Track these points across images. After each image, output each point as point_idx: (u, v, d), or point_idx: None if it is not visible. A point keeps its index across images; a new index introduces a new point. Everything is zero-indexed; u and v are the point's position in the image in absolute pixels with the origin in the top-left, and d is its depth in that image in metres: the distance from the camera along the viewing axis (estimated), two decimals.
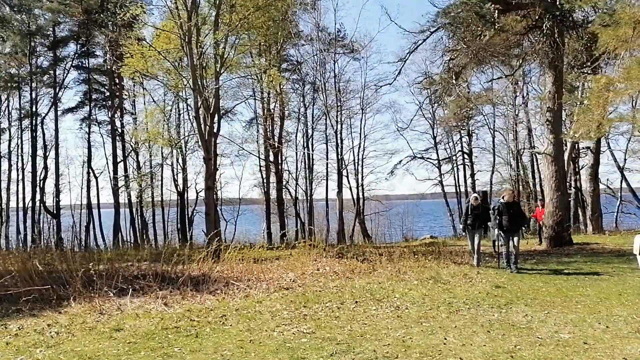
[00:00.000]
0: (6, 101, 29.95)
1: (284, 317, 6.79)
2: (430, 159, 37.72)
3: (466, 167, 38.01)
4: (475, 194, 12.40)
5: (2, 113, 29.58)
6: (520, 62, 15.51)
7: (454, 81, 13.87)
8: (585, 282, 9.19)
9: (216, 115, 16.69)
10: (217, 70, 15.84)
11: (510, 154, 34.70)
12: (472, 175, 36.95)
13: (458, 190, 38.30)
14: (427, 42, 14.77)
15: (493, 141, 36.69)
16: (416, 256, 13.16)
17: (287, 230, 29.44)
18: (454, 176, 38.33)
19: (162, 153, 29.68)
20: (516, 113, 32.77)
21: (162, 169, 32.18)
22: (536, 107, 29.16)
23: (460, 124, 35.76)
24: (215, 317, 6.87)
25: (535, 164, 34.71)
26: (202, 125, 16.05)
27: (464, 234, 13.09)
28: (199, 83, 15.49)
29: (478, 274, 10.18)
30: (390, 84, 17.20)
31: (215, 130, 16.66)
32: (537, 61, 16.16)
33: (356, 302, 7.56)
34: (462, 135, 37.60)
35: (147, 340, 5.89)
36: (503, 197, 10.87)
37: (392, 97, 65.58)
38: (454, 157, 38.02)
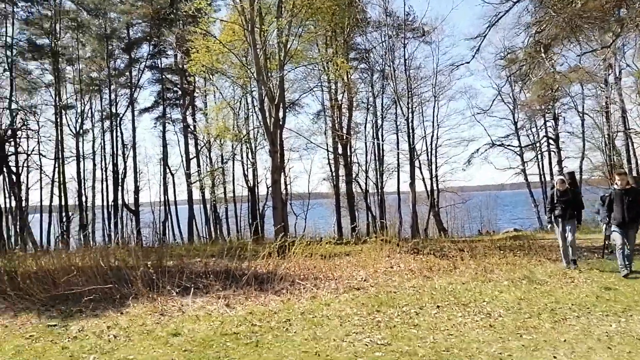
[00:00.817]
0: (88, 103, 31.21)
1: (355, 323, 5.96)
2: (511, 146, 35.31)
3: (551, 153, 35.30)
4: (561, 176, 10.01)
5: (85, 115, 30.85)
6: (619, 29, 13.60)
7: (543, 55, 12.33)
8: None
9: (281, 107, 16.14)
10: (281, 59, 15.25)
11: (603, 138, 31.64)
12: (559, 162, 34.20)
13: (543, 179, 35.70)
14: (509, 14, 13.27)
15: (582, 124, 33.65)
16: (502, 252, 11.91)
17: (358, 224, 28.60)
18: (538, 164, 35.74)
19: (232, 148, 29.78)
20: (610, 92, 29.78)
21: (233, 165, 32.39)
22: (634, 83, 26.35)
23: (544, 107, 33.16)
24: (279, 321, 6.17)
25: (631, 147, 31.58)
26: (267, 117, 15.55)
27: (549, 227, 10.59)
28: (263, 73, 14.96)
29: (580, 273, 8.81)
30: (468, 63, 15.76)
31: (280, 122, 16.12)
32: (637, 30, 14.14)
33: (438, 306, 6.58)
34: (547, 119, 34.90)
35: (204, 348, 5.28)
36: (616, 184, 8.75)
37: (467, 81, 62.57)
38: (538, 144, 35.39)
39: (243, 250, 10.17)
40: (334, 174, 30.81)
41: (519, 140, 35.40)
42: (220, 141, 28.79)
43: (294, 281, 8.77)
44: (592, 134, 33.16)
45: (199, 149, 30.48)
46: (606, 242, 10.80)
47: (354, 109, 30.61)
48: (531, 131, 35.96)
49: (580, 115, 33.80)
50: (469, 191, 42.67)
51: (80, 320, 6.81)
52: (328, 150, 30.73)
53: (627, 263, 8.51)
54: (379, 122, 32.59)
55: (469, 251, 12.05)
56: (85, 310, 7.22)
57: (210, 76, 26.08)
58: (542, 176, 35.56)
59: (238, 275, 9.00)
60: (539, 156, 35.82)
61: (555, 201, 9.39)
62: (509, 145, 35.65)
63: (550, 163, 35.43)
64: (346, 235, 27.48)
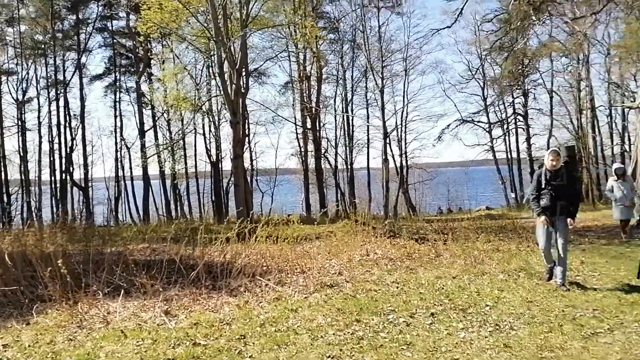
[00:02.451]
0: (32, 68, 28.47)
1: (329, 340, 4.59)
2: (481, 122, 34.69)
3: (519, 130, 34.99)
4: (555, 148, 6.72)
5: (29, 82, 28.16)
6: None
7: (532, 17, 11.08)
8: None
9: (243, 73, 14.48)
10: (243, 18, 13.53)
11: (578, 112, 31.24)
12: (528, 139, 33.84)
13: (510, 156, 35.43)
14: None
15: (551, 101, 33.37)
16: (485, 235, 10.75)
17: (327, 201, 27.38)
18: (505, 141, 35.36)
19: (192, 120, 27.79)
20: (585, 65, 29.26)
21: (195, 138, 30.48)
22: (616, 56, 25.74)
23: (514, 83, 32.52)
24: (231, 338, 4.75)
25: (596, 125, 31.56)
26: (228, 84, 13.90)
27: (536, 218, 6.54)
28: (222, 34, 13.24)
29: (582, 264, 7.70)
30: (449, 27, 14.39)
31: (242, 90, 14.48)
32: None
33: (432, 313, 5.28)
34: (516, 96, 34.40)
35: None
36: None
37: (438, 55, 61.09)
38: (506, 120, 34.92)
39: (200, 233, 8.57)
40: (302, 149, 29.41)
41: (488, 116, 34.84)
42: (181, 112, 26.74)
43: (255, 275, 7.36)
44: (569, 106, 32.82)
45: (156, 120, 28.36)
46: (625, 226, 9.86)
47: (323, 81, 29.11)
48: (499, 108, 35.47)
49: (549, 92, 33.43)
50: (435, 168, 42.17)
51: None
52: (296, 124, 29.26)
53: None
54: (349, 95, 31.26)
55: (448, 234, 10.91)
56: None
57: (167, 41, 24.00)
58: (509, 153, 35.28)
59: (186, 268, 7.51)
60: (507, 133, 35.43)
61: (543, 185, 6.20)
62: (478, 122, 35.09)
63: (517, 140, 35.16)
64: (315, 212, 26.24)
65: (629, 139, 28.97)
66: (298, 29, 21.00)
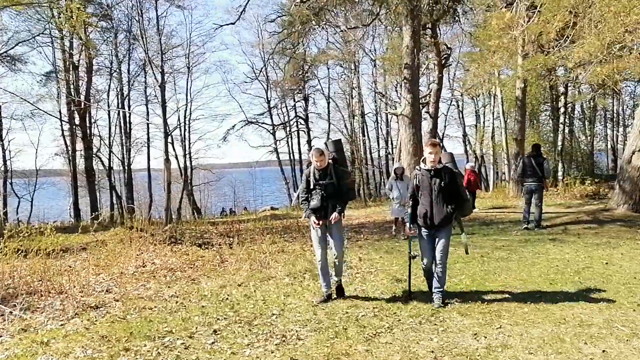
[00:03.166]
0: None
1: None
2: (265, 124, 35.66)
3: (300, 133, 37.08)
4: (318, 147, 5.87)
5: None
6: (378, 9, 13.76)
7: (313, 21, 11.45)
8: (520, 259, 7.56)
9: None
10: None
11: (351, 117, 34.36)
12: (309, 141, 36.00)
13: (292, 157, 37.26)
14: None
15: (328, 106, 36.13)
16: (271, 236, 10.67)
17: (101, 207, 24.69)
18: (288, 142, 37.13)
19: None
20: (356, 74, 32.35)
21: None
22: (381, 67, 28.77)
23: (296, 87, 34.26)
24: None
25: (366, 129, 35.32)
26: None
27: (307, 220, 5.90)
28: None
29: (361, 260, 8.04)
30: (233, 24, 14.04)
31: None
32: (392, 12, 14.63)
33: (214, 330, 4.72)
34: (298, 100, 36.33)
35: None
36: (423, 161, 5.50)
37: (223, 55, 60.46)
38: (289, 123, 36.65)
39: None
40: (69, 148, 25.98)
41: (271, 118, 36.05)
42: None
43: None
44: (335, 116, 35.79)
45: None
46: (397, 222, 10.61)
47: (94, 72, 26.21)
48: (282, 110, 37.04)
49: (326, 98, 36.25)
50: (221, 169, 42.09)
51: None
52: (61, 120, 25.67)
53: (438, 297, 5.38)
54: (126, 90, 28.83)
55: (234, 236, 10.55)
56: None
57: None
58: (292, 154, 37.12)
59: None
60: (290, 135, 37.22)
61: (312, 186, 5.66)
62: (263, 123, 36.03)
63: (299, 142, 37.22)
64: (86, 219, 23.38)
65: (392, 143, 32.95)
66: (62, 12, 18.32)
